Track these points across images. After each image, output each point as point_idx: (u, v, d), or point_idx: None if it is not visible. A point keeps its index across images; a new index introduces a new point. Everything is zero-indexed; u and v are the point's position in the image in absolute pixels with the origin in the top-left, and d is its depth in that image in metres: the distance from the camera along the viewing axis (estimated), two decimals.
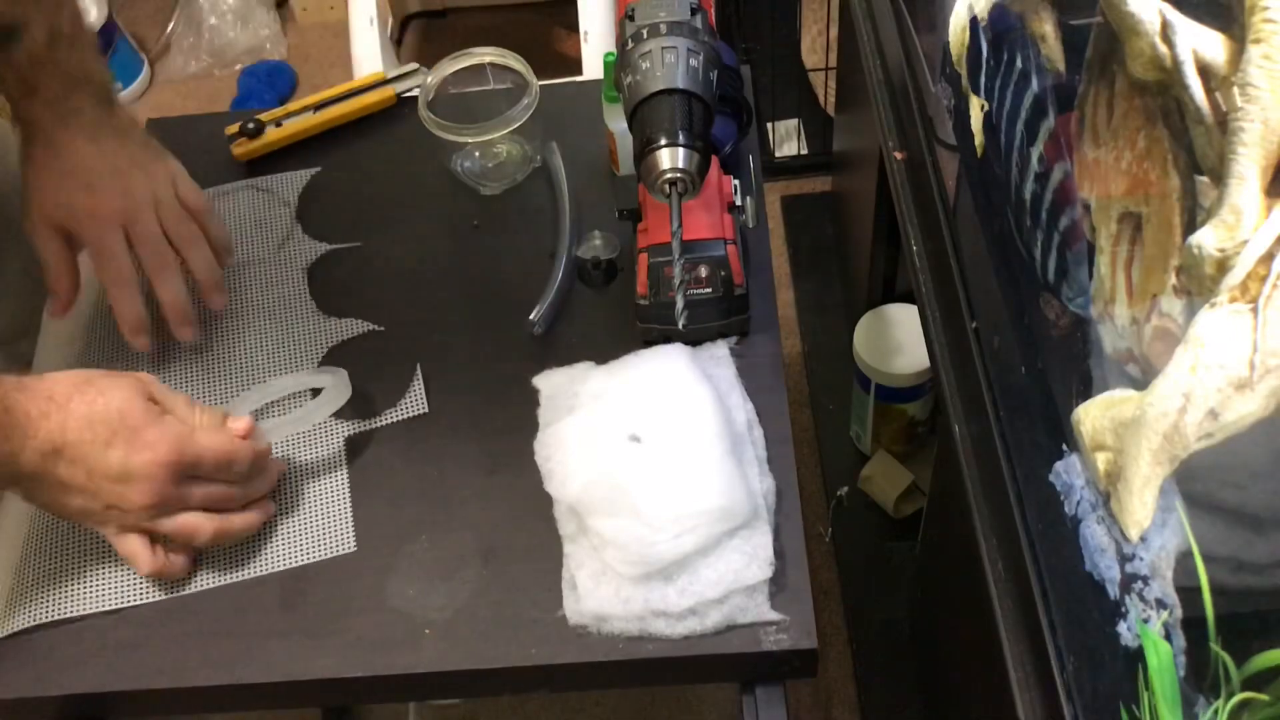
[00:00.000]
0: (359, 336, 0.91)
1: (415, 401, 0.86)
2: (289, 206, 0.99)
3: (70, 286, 0.86)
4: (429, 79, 0.98)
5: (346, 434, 0.85)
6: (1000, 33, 0.79)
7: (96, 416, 0.71)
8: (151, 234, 0.86)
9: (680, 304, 0.76)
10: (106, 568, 0.79)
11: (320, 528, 0.80)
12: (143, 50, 2.35)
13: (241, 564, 0.79)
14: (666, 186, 0.74)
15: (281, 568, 0.79)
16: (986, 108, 0.81)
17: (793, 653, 0.73)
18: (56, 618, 0.77)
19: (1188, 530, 0.53)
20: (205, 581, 0.78)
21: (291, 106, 1.04)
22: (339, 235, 0.98)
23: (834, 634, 1.49)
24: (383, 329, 0.91)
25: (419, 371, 0.87)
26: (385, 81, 1.06)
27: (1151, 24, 0.54)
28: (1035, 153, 0.72)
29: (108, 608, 0.77)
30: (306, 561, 0.79)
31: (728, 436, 0.77)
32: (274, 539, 0.80)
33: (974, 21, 0.82)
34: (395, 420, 0.85)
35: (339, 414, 0.84)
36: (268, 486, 0.81)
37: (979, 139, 0.84)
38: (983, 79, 0.81)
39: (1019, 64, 0.75)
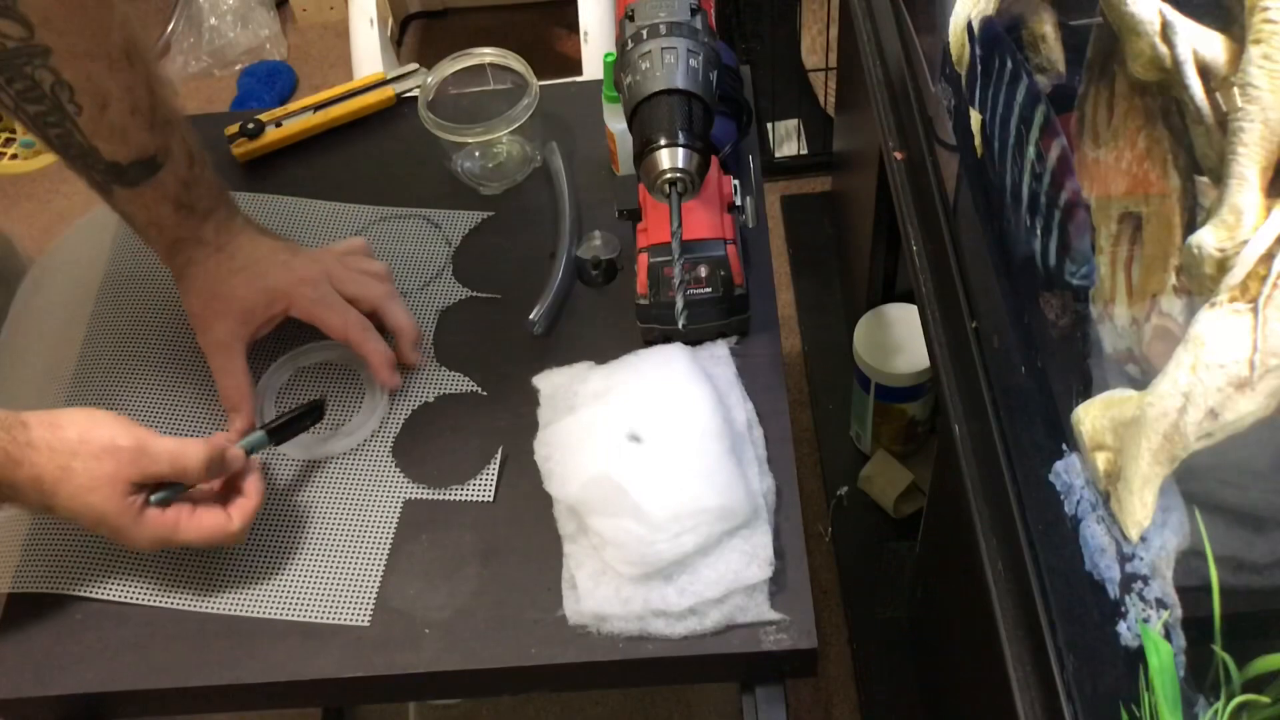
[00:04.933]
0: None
1: (484, 485, 0.82)
2: (449, 245, 0.96)
3: (251, 408, 0.84)
4: (429, 79, 0.98)
5: (405, 498, 0.82)
6: (1000, 34, 0.79)
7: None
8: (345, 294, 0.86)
9: (680, 304, 0.76)
10: (114, 558, 0.79)
11: (341, 591, 0.78)
12: None
13: (257, 603, 0.77)
14: (666, 186, 0.74)
15: (291, 618, 0.77)
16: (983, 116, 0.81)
17: (793, 652, 0.73)
18: (65, 591, 0.78)
19: (1201, 528, 0.53)
20: (213, 600, 0.78)
21: (291, 107, 1.04)
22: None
23: (834, 634, 1.49)
24: (486, 393, 0.87)
25: (499, 455, 0.83)
26: (385, 81, 1.06)
27: (1151, 24, 0.54)
28: (1034, 140, 0.72)
29: (112, 597, 0.78)
30: (318, 620, 0.76)
31: (727, 436, 0.77)
32: (292, 586, 0.78)
33: (973, 25, 0.82)
34: (458, 499, 0.81)
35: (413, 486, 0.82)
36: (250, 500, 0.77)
37: (979, 138, 0.83)
38: (988, 80, 0.81)
39: (1025, 61, 0.75)
